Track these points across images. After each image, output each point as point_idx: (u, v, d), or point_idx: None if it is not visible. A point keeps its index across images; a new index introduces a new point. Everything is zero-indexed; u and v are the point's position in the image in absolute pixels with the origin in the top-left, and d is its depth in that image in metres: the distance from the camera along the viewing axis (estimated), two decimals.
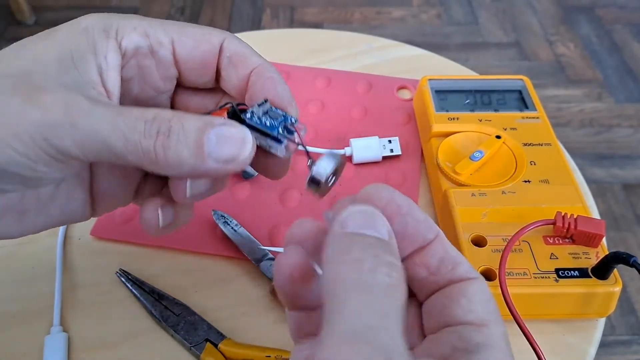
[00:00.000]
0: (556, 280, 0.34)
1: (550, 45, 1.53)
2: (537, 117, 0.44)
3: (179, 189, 0.26)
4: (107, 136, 0.23)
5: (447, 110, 0.44)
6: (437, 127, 0.43)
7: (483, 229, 0.36)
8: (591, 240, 0.35)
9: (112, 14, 0.28)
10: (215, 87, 0.30)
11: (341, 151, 0.44)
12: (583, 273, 0.34)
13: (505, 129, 0.43)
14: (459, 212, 0.37)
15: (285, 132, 0.26)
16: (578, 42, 1.54)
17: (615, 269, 0.34)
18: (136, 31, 0.27)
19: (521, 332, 0.31)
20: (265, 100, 0.27)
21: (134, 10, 1.63)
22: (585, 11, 1.64)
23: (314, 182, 0.25)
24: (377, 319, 0.16)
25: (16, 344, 0.34)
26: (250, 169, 0.43)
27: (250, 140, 0.24)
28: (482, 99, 0.45)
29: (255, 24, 1.59)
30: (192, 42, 0.28)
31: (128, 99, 0.29)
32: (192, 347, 0.33)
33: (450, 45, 1.53)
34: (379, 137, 0.44)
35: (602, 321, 0.36)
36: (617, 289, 0.33)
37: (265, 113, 0.26)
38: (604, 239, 0.35)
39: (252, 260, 0.37)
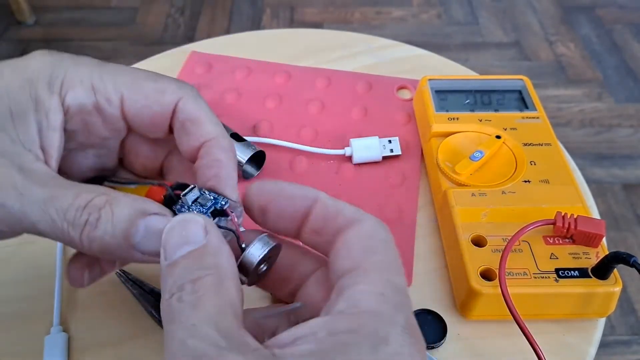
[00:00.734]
0: (556, 280, 0.33)
1: (550, 45, 1.53)
2: (537, 117, 0.44)
3: (108, 265, 0.27)
4: (36, 221, 0.23)
5: (447, 110, 0.44)
6: (437, 127, 0.43)
7: (483, 229, 0.36)
8: (591, 240, 0.35)
9: (64, 55, 0.26)
10: (168, 134, 0.29)
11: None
12: (583, 273, 0.34)
13: (505, 129, 0.42)
14: (459, 212, 0.37)
15: (217, 215, 0.24)
16: (578, 42, 1.54)
17: (615, 269, 0.34)
18: (82, 85, 0.26)
19: (521, 332, 0.31)
20: (194, 186, 0.25)
21: (134, 11, 1.63)
22: (585, 11, 1.64)
23: (242, 269, 0.23)
24: (185, 334, 0.19)
25: (16, 344, 0.34)
26: (250, 169, 0.43)
27: None
28: (482, 99, 0.45)
29: (255, 24, 1.59)
30: (143, 101, 0.27)
31: (73, 144, 0.28)
32: None
33: (450, 45, 1.53)
34: (379, 137, 0.44)
35: (602, 321, 0.36)
36: (617, 289, 0.33)
37: (195, 200, 0.25)
38: (604, 239, 0.35)
39: None
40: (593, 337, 0.35)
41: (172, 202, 0.25)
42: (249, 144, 0.42)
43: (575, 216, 0.35)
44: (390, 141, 0.45)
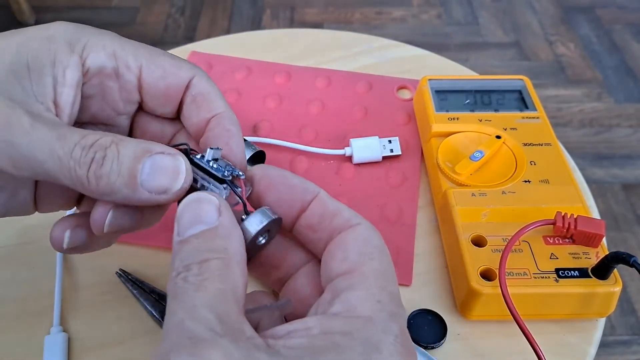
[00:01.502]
0: (556, 280, 0.34)
1: (550, 45, 1.53)
2: (537, 117, 0.44)
3: (97, 222, 0.26)
4: (43, 160, 0.23)
5: (447, 110, 0.44)
6: (437, 127, 0.43)
7: (483, 229, 0.36)
8: (591, 240, 0.35)
9: (86, 26, 0.27)
10: (176, 117, 0.30)
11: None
12: (583, 273, 0.34)
13: (505, 129, 0.43)
14: (459, 212, 0.37)
15: (231, 181, 0.25)
16: (578, 42, 1.54)
17: (615, 269, 0.34)
18: (105, 50, 0.27)
19: (521, 332, 0.31)
20: (219, 148, 0.26)
21: (135, 11, 1.63)
22: (585, 11, 1.64)
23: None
24: (185, 314, 0.19)
25: (16, 344, 0.34)
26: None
27: (183, 172, 0.24)
28: (482, 99, 0.46)
29: (255, 24, 1.59)
30: (160, 72, 0.28)
31: (86, 115, 0.28)
32: None
33: (450, 45, 1.53)
34: (379, 137, 0.44)
35: (602, 321, 0.36)
36: (617, 289, 0.33)
37: (216, 160, 0.25)
38: (604, 239, 0.35)
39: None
40: (593, 337, 0.35)
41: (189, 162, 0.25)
42: (249, 144, 0.42)
43: (575, 216, 0.35)
44: (390, 141, 0.45)
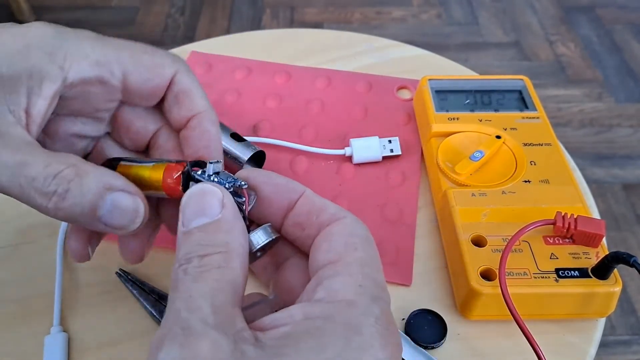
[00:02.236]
0: (556, 280, 0.34)
1: (550, 45, 1.53)
2: (537, 117, 0.44)
3: (76, 253, 0.29)
4: (6, 186, 0.23)
5: (447, 110, 0.44)
6: (437, 127, 0.43)
7: (483, 229, 0.36)
8: (591, 240, 0.35)
9: (65, 30, 0.27)
10: (158, 105, 0.31)
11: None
12: (583, 273, 0.34)
13: (505, 129, 0.42)
14: (459, 212, 0.37)
15: (234, 192, 0.25)
16: (578, 42, 1.54)
17: (615, 269, 0.34)
18: (87, 59, 0.26)
19: (521, 332, 0.31)
20: (219, 162, 0.26)
21: (135, 11, 1.63)
22: (585, 11, 1.64)
23: None
24: (182, 305, 0.19)
25: (16, 344, 0.34)
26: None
27: (141, 215, 0.25)
28: (482, 99, 0.45)
29: (255, 24, 1.59)
30: (145, 75, 0.28)
31: (67, 110, 0.28)
32: None
33: (450, 45, 1.53)
34: (379, 137, 0.44)
35: (602, 321, 0.36)
36: (617, 289, 0.33)
37: (217, 173, 0.26)
38: (604, 239, 0.35)
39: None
40: (593, 337, 0.35)
41: (189, 179, 0.26)
42: (249, 144, 0.42)
43: (575, 216, 0.35)
44: (390, 141, 0.45)
